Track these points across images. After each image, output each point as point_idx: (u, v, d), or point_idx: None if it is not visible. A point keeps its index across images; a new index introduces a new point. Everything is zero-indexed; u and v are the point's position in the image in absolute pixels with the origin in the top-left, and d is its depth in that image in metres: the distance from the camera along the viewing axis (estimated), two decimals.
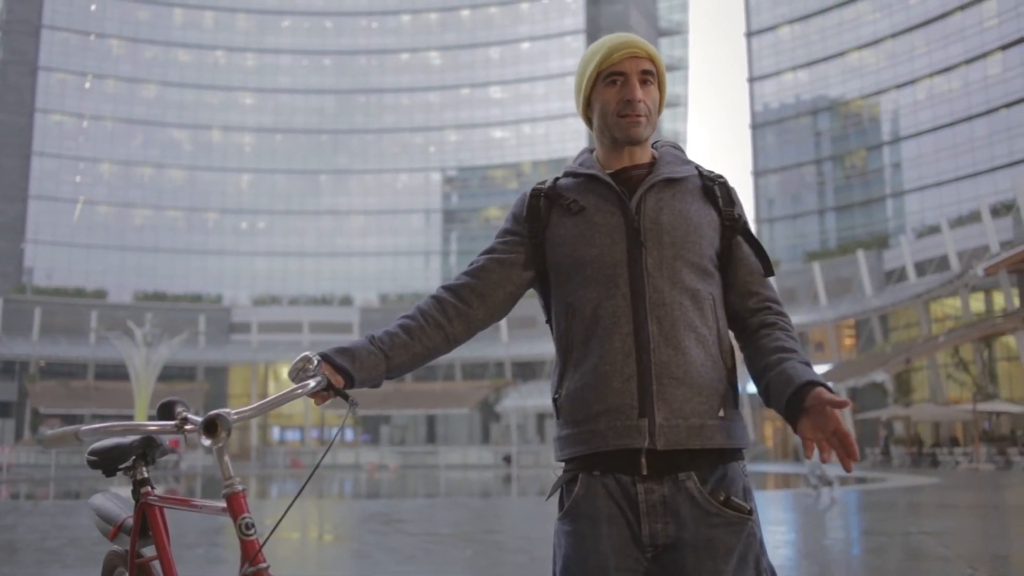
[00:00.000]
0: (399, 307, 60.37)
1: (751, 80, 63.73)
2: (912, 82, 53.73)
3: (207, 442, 1.75)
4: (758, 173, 63.18)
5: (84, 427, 1.91)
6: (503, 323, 53.51)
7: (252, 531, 1.77)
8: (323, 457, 1.82)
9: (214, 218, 69.19)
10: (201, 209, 68.84)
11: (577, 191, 1.90)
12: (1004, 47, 48.42)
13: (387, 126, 71.51)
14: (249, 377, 61.21)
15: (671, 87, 74.84)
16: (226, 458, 1.80)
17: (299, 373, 1.79)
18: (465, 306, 1.92)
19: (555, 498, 1.86)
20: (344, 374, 1.81)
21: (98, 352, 56.43)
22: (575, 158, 2.02)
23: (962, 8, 50.93)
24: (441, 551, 9.05)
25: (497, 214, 67.92)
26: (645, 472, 1.73)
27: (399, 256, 69.75)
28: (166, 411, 2.09)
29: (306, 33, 71.93)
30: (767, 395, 1.78)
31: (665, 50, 78.35)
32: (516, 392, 56.36)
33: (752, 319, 1.87)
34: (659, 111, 1.91)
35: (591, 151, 1.99)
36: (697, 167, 1.95)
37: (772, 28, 62.70)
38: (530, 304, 2.35)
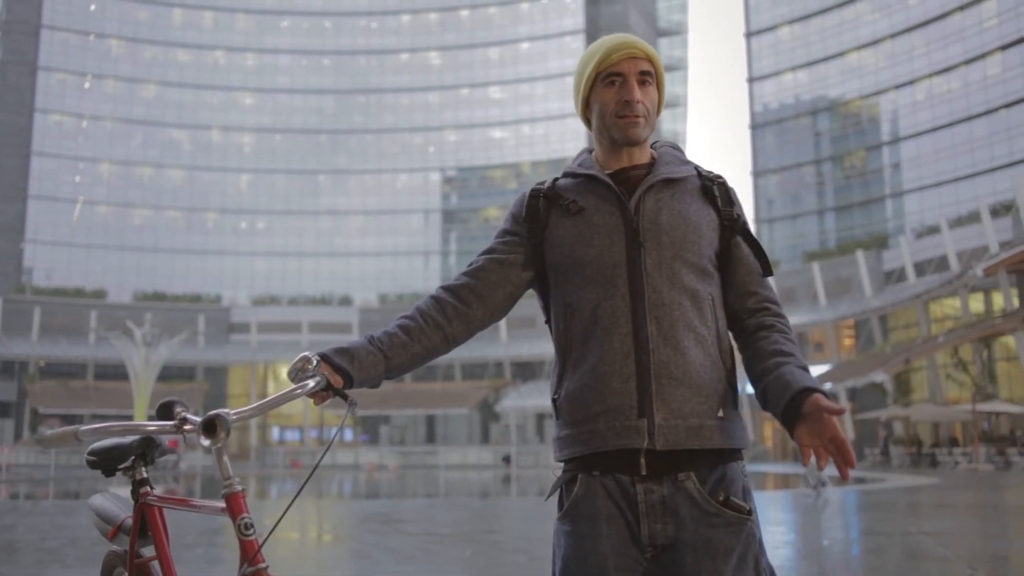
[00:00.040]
0: (398, 307, 60.39)
1: (750, 80, 63.75)
2: (911, 82, 53.76)
3: (206, 442, 1.75)
4: (757, 173, 63.21)
5: (83, 427, 1.91)
6: (502, 323, 53.51)
7: (251, 531, 1.77)
8: (322, 457, 1.82)
9: (213, 218, 69.18)
10: (200, 209, 68.84)
11: (576, 191, 1.90)
12: (1003, 47, 48.45)
13: (386, 126, 71.51)
14: (248, 377, 61.21)
15: (670, 87, 74.84)
16: (225, 458, 1.80)
17: (298, 373, 1.79)
18: (464, 306, 1.92)
19: (554, 498, 1.86)
20: (343, 374, 1.81)
21: (97, 352, 56.44)
22: (574, 158, 2.02)
23: (961, 8, 50.95)
24: (440, 551, 9.05)
25: (496, 214, 67.93)
26: (644, 472, 1.73)
27: (398, 256, 69.75)
28: (165, 411, 2.09)
29: (305, 33, 71.93)
30: (764, 399, 1.78)
31: (664, 50, 78.38)
32: (515, 392, 56.36)
33: (750, 320, 1.87)
34: (658, 112, 1.91)
35: (590, 151, 1.99)
36: (696, 167, 1.95)
37: (771, 28, 62.72)
38: (530, 304, 2.35)
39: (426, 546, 9.49)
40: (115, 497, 2.68)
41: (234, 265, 68.11)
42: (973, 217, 44.72)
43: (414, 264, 69.76)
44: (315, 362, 1.79)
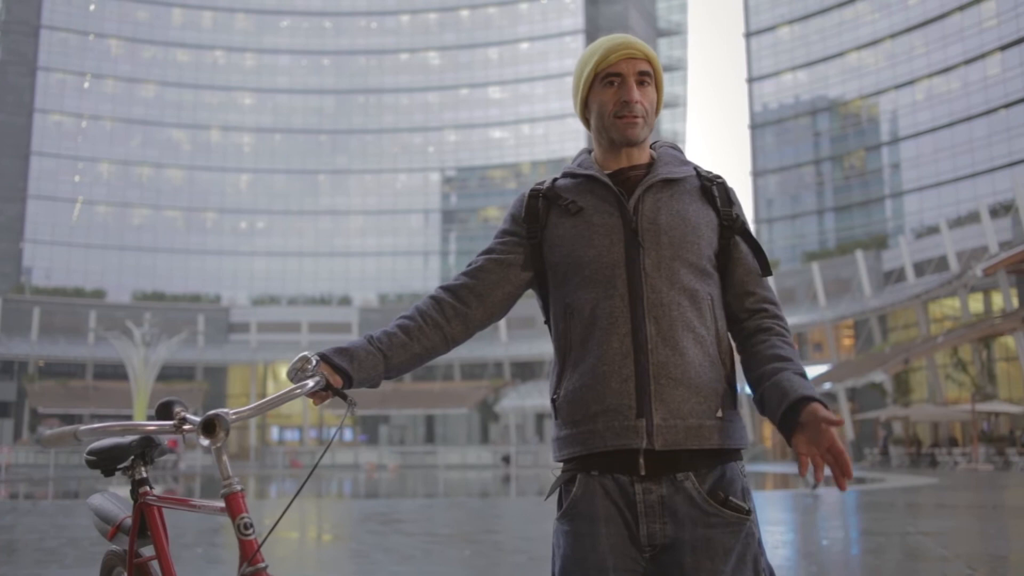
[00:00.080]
0: (398, 307, 60.42)
1: (750, 80, 63.76)
2: (911, 82, 53.78)
3: (206, 442, 1.75)
4: (757, 173, 63.22)
5: (83, 427, 1.91)
6: (502, 323, 53.53)
7: (250, 531, 1.77)
8: (322, 457, 1.82)
9: (213, 218, 69.18)
10: (200, 209, 68.84)
11: (575, 192, 1.90)
12: (1003, 47, 48.47)
13: (386, 126, 71.52)
14: (248, 377, 61.20)
15: (670, 87, 74.89)
16: (224, 458, 1.80)
17: (297, 373, 1.79)
18: (463, 306, 1.92)
19: (554, 498, 1.87)
20: (342, 374, 1.81)
21: (97, 352, 56.44)
22: (574, 159, 2.02)
23: (961, 9, 50.97)
24: (440, 551, 9.06)
25: (496, 214, 67.95)
26: (643, 472, 1.74)
27: (398, 256, 69.76)
28: (165, 411, 2.09)
29: (305, 33, 71.94)
30: (762, 405, 1.78)
31: (664, 50, 78.41)
32: (515, 392, 56.37)
33: (749, 322, 1.87)
34: (656, 112, 1.91)
35: (589, 152, 2.00)
36: (696, 167, 1.95)
37: (771, 28, 62.74)
38: (529, 304, 2.35)
39: (425, 546, 9.49)
40: (114, 497, 2.68)
41: (234, 265, 68.11)
42: (972, 217, 44.73)
43: (413, 264, 69.76)
44: (314, 362, 1.79)
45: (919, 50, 53.47)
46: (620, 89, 1.86)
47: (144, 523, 2.40)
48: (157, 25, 69.43)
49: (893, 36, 55.08)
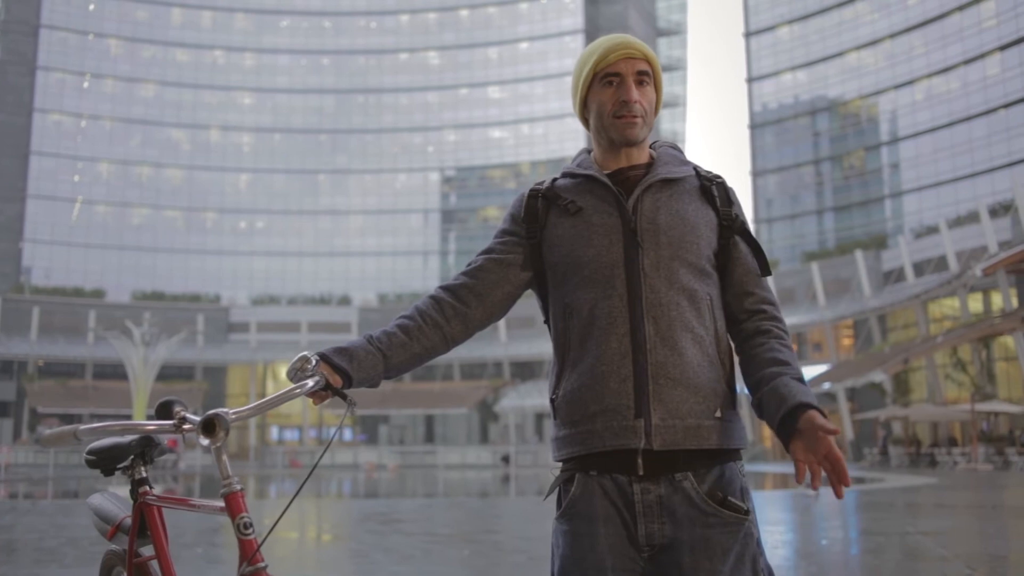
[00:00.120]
0: (397, 307, 60.41)
1: (750, 80, 63.77)
2: (911, 82, 53.79)
3: (205, 441, 1.75)
4: (756, 173, 63.23)
5: (82, 426, 1.91)
6: (502, 323, 53.52)
7: (250, 530, 1.77)
8: (321, 457, 1.82)
9: (212, 218, 69.17)
10: (199, 209, 68.84)
11: (575, 192, 1.90)
12: (1002, 47, 48.48)
13: (386, 126, 71.52)
14: (247, 377, 61.20)
15: (670, 87, 74.93)
16: (224, 457, 1.80)
17: (297, 373, 1.79)
18: (463, 306, 1.92)
19: (553, 497, 1.87)
20: (342, 374, 1.81)
21: (96, 352, 56.44)
22: (573, 159, 2.02)
23: (960, 9, 50.98)
24: (439, 551, 9.06)
25: (495, 214, 67.94)
26: (641, 472, 1.74)
27: (397, 256, 69.76)
28: (164, 410, 2.09)
29: (304, 33, 71.93)
30: (760, 410, 1.78)
31: (664, 50, 78.43)
32: (514, 392, 56.37)
33: (747, 323, 1.87)
34: (656, 111, 1.91)
35: (589, 152, 1.99)
36: (695, 167, 1.95)
37: (771, 28, 62.75)
38: (529, 304, 2.35)
39: (425, 546, 9.49)
40: (114, 496, 2.68)
41: (233, 265, 68.11)
42: (972, 217, 44.75)
43: (413, 264, 69.76)
44: (314, 362, 1.79)
45: (918, 50, 53.48)
46: (619, 89, 1.86)
47: (144, 523, 2.40)
48: (156, 25, 69.42)
49: (892, 36, 55.09)
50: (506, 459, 45.31)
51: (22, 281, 62.82)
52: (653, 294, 1.78)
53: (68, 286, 63.08)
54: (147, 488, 2.43)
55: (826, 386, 43.47)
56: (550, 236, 1.89)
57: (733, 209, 1.90)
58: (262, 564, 1.77)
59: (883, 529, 10.84)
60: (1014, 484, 21.41)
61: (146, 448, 2.45)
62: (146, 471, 2.47)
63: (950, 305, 43.63)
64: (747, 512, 1.75)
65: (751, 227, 1.96)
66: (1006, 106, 48.15)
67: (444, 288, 1.95)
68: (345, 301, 67.13)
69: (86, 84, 67.28)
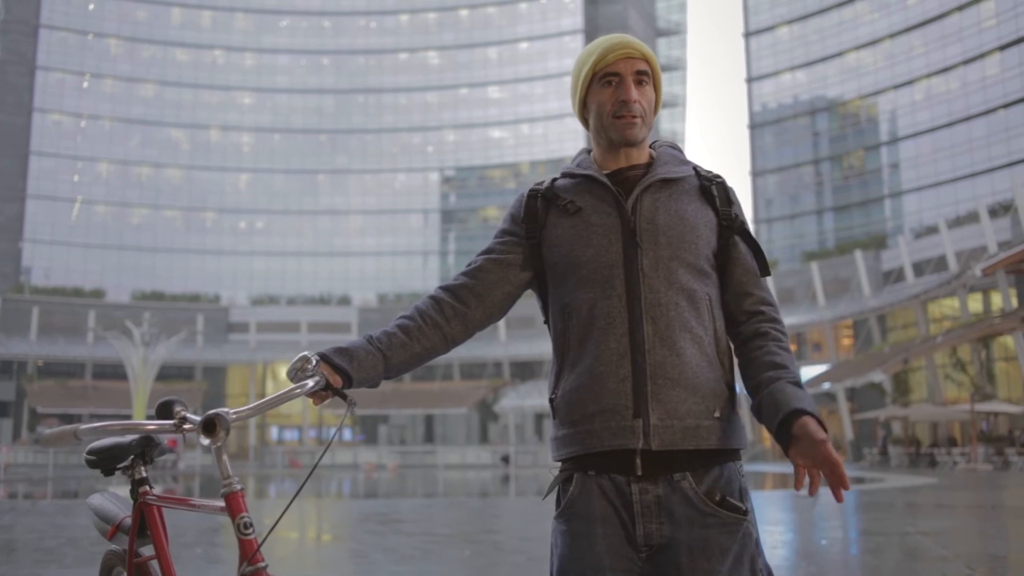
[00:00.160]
0: (397, 307, 60.41)
1: (749, 80, 63.78)
2: (910, 82, 53.79)
3: (205, 441, 1.76)
4: (756, 173, 63.23)
5: (82, 426, 1.91)
6: (501, 323, 53.51)
7: (250, 530, 1.77)
8: (321, 457, 1.82)
9: (212, 218, 69.17)
10: (199, 209, 68.83)
11: (574, 192, 1.90)
12: (1002, 48, 48.49)
13: (385, 126, 71.51)
14: (247, 377, 61.19)
15: (669, 87, 74.95)
16: (224, 457, 1.81)
17: (297, 373, 1.79)
18: (463, 306, 1.92)
19: (552, 497, 1.87)
20: (342, 374, 1.81)
21: (96, 352, 56.42)
22: (573, 159, 2.02)
23: (960, 9, 50.99)
24: (439, 551, 9.06)
25: (495, 214, 67.94)
26: (640, 472, 1.74)
27: (397, 256, 69.75)
28: (164, 410, 2.09)
29: (304, 33, 71.93)
30: (759, 415, 1.78)
31: (663, 50, 78.43)
32: (514, 392, 56.37)
33: (746, 325, 1.86)
34: (655, 111, 1.91)
35: (588, 152, 1.99)
36: (695, 167, 1.95)
37: (770, 28, 62.76)
38: (528, 304, 2.35)
39: (424, 546, 9.49)
40: (114, 496, 2.68)
41: (233, 265, 68.10)
42: (972, 217, 44.75)
43: (413, 264, 69.75)
44: (314, 362, 1.79)
45: (918, 50, 53.49)
46: (618, 89, 1.86)
47: (144, 523, 2.40)
48: (156, 24, 69.41)
49: (892, 36, 55.10)
50: (506, 459, 45.31)
51: (22, 281, 62.81)
52: (652, 294, 1.78)
53: (68, 286, 63.07)
54: (147, 488, 2.43)
55: (826, 386, 43.48)
56: (550, 236, 1.89)
57: (733, 209, 1.90)
58: (262, 564, 1.77)
59: (883, 529, 10.84)
60: (1014, 484, 21.41)
61: (146, 448, 2.45)
62: (146, 471, 2.47)
63: (950, 305, 43.63)
64: (746, 512, 1.75)
65: (751, 227, 1.96)
66: (1006, 106, 48.15)
67: (444, 288, 1.95)
68: (345, 301, 67.13)
69: (86, 84, 67.27)
